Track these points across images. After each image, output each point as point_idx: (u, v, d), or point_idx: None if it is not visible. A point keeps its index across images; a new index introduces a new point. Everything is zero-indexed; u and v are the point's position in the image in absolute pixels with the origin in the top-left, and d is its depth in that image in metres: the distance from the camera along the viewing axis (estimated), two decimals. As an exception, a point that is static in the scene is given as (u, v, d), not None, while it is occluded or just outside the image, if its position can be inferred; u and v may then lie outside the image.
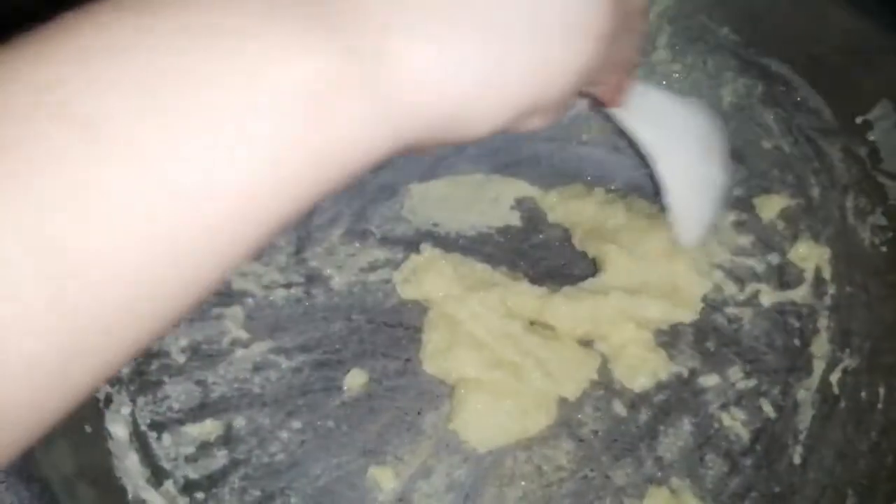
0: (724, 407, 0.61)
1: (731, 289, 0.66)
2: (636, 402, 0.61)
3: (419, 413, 0.61)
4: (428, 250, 0.66)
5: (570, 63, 0.32)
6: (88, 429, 0.49)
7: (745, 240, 0.68)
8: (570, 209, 0.69)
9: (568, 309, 0.61)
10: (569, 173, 0.72)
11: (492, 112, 0.31)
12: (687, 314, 0.64)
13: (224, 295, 0.64)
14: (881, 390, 0.58)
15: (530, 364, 0.60)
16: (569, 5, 0.32)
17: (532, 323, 0.62)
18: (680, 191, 0.57)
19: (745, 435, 0.60)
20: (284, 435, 0.59)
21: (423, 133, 0.30)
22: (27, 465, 0.40)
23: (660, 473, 0.58)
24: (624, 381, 0.62)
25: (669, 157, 0.56)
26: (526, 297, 0.62)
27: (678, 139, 0.56)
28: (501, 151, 0.74)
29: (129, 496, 0.50)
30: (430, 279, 0.63)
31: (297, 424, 0.60)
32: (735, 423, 0.60)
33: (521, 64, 0.31)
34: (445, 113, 0.30)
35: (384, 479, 0.58)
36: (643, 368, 0.62)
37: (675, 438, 0.60)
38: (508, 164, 0.73)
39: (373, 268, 0.67)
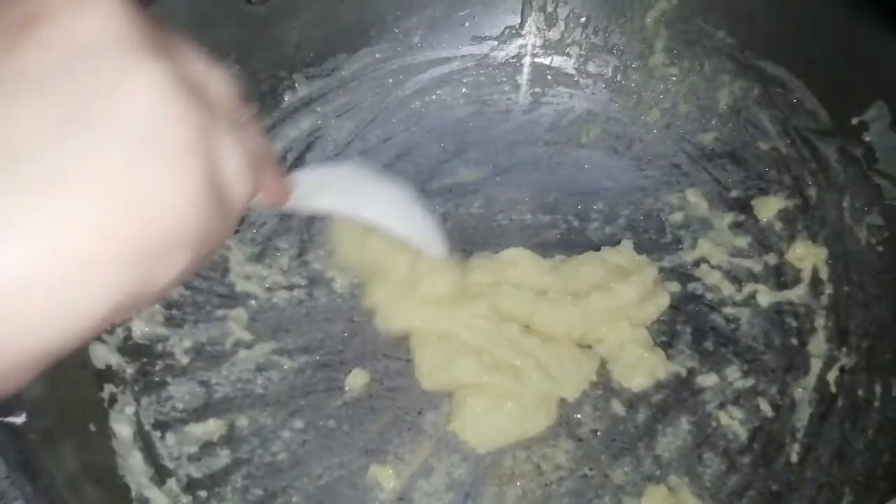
0: (721, 406, 0.62)
1: (728, 289, 0.67)
2: (634, 401, 0.62)
3: (420, 413, 0.61)
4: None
5: (147, 186, 0.26)
6: (93, 428, 0.50)
7: (742, 241, 0.69)
8: None
9: (558, 313, 0.62)
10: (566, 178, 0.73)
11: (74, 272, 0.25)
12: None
13: (227, 297, 0.65)
14: (878, 388, 0.58)
15: (530, 366, 0.61)
16: (122, 124, 0.26)
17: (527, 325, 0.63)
18: (396, 222, 0.58)
19: (742, 434, 0.60)
20: (286, 434, 0.60)
21: None
22: (32, 462, 0.41)
23: (658, 472, 0.59)
24: (622, 381, 0.62)
25: (366, 204, 0.56)
26: (514, 301, 0.63)
27: (360, 188, 0.57)
28: (502, 155, 0.75)
29: (133, 494, 0.51)
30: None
31: (299, 424, 0.60)
32: (733, 422, 0.61)
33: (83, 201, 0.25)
34: None
35: (385, 478, 0.58)
36: (641, 368, 0.62)
37: (674, 437, 0.60)
38: (508, 168, 0.74)
39: (374, 270, 0.68)
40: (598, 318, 0.62)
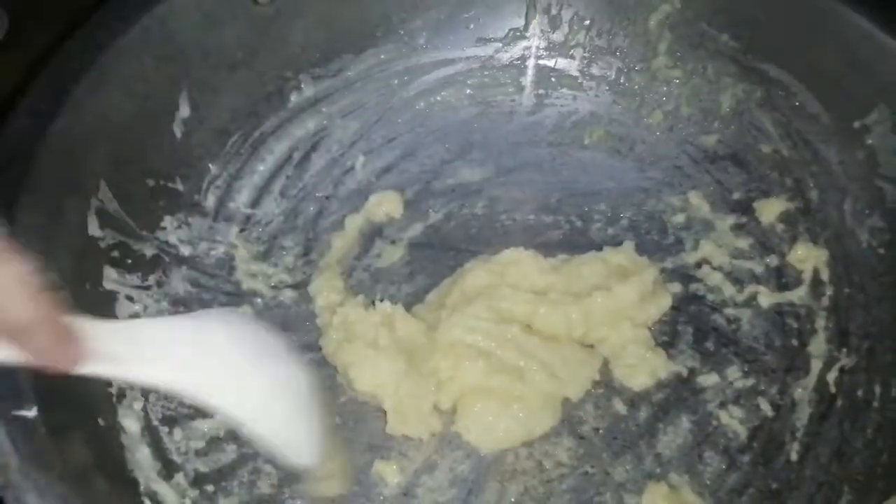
0: (722, 405, 0.62)
1: (730, 290, 0.67)
2: (636, 400, 0.62)
3: (423, 410, 0.62)
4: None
5: None
6: (102, 422, 0.51)
7: (744, 242, 0.69)
8: None
9: (560, 314, 0.63)
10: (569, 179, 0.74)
11: None
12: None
13: (233, 295, 0.66)
14: (877, 389, 0.59)
15: (534, 366, 0.61)
16: None
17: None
18: (259, 417, 0.46)
19: (743, 433, 0.61)
20: (292, 431, 0.60)
21: None
22: (43, 455, 0.41)
23: (659, 470, 0.59)
24: (624, 381, 0.63)
25: (216, 386, 0.44)
26: (514, 302, 0.63)
27: (212, 362, 0.45)
28: (505, 155, 0.76)
29: (141, 488, 0.51)
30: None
31: (304, 421, 0.61)
32: (733, 421, 0.61)
33: None
34: None
35: (389, 474, 0.59)
36: (643, 368, 0.63)
37: (675, 436, 0.61)
38: (512, 169, 0.75)
39: (378, 268, 0.68)
40: (600, 318, 0.63)
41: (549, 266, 0.66)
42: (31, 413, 0.42)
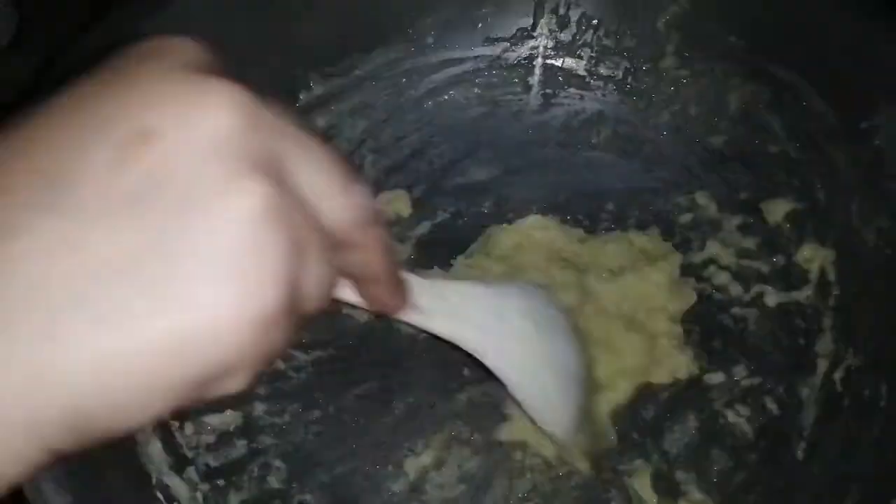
0: (729, 404, 0.63)
1: (736, 290, 0.68)
2: (644, 397, 0.63)
3: (432, 407, 0.62)
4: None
5: (228, 319, 0.25)
6: (114, 416, 0.51)
7: (750, 242, 0.70)
8: None
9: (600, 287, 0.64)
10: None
11: (141, 395, 0.25)
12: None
13: (243, 291, 0.66)
14: (884, 388, 0.59)
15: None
16: (210, 252, 0.25)
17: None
18: (529, 386, 0.52)
19: (749, 431, 0.61)
20: (302, 426, 0.61)
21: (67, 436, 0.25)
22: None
23: (666, 467, 0.60)
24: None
25: (502, 351, 0.50)
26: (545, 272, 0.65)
27: (504, 328, 0.50)
28: (513, 155, 0.76)
29: (154, 481, 0.52)
30: None
31: (313, 416, 0.61)
32: (740, 420, 0.62)
33: (156, 331, 0.25)
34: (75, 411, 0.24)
35: (398, 470, 0.59)
36: (665, 364, 0.63)
37: (682, 434, 0.61)
38: (520, 168, 0.75)
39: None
40: (637, 301, 0.64)
41: (576, 237, 0.67)
42: (49, 405, 0.42)
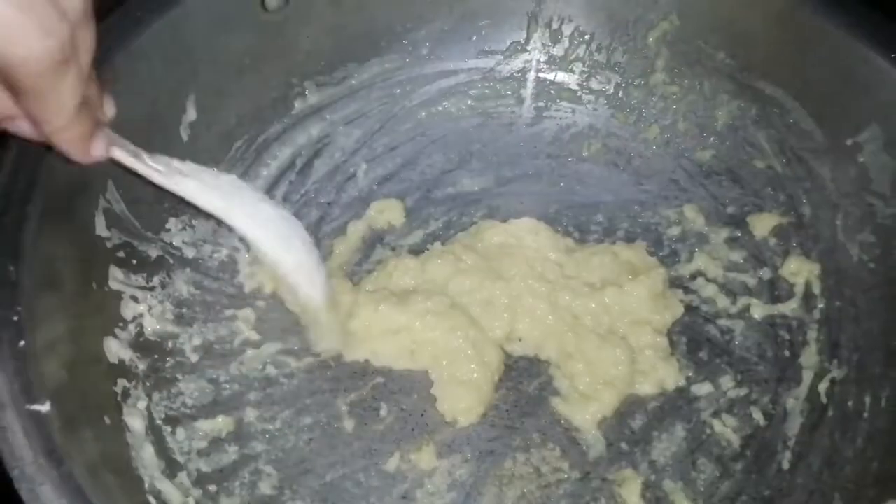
0: (716, 414, 0.63)
1: (723, 302, 0.69)
2: (632, 407, 0.63)
3: (422, 414, 0.63)
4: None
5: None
6: (108, 420, 0.51)
7: (737, 255, 0.71)
8: None
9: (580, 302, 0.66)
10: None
11: None
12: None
13: (236, 297, 0.66)
14: (867, 399, 0.60)
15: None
16: None
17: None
18: (283, 249, 0.57)
19: (735, 441, 0.62)
20: (293, 433, 0.61)
21: None
22: (57, 449, 0.42)
23: (654, 476, 0.60)
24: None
25: (251, 216, 0.56)
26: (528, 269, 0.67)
27: (252, 201, 0.56)
28: (504, 166, 0.77)
29: (146, 486, 0.51)
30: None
31: (305, 423, 0.62)
32: (726, 430, 0.63)
33: None
34: None
35: (388, 477, 0.60)
36: (652, 376, 0.64)
37: (669, 443, 0.62)
38: (511, 179, 0.76)
39: (380, 274, 0.69)
40: (619, 315, 0.65)
41: (564, 246, 0.69)
42: (45, 408, 0.43)
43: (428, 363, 0.64)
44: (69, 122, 0.42)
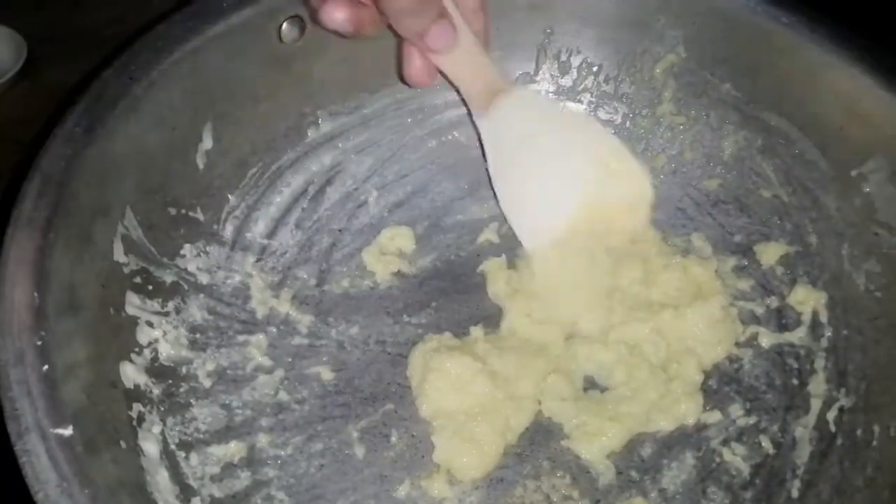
0: (725, 442, 0.64)
1: (732, 330, 0.69)
2: (642, 436, 0.64)
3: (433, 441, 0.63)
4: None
5: None
6: (124, 445, 0.52)
7: (745, 284, 0.72)
8: None
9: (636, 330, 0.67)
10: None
11: None
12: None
13: (248, 323, 0.67)
14: (876, 428, 0.61)
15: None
16: None
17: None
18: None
19: (745, 469, 0.62)
20: (304, 459, 0.61)
21: None
22: (80, 472, 0.42)
23: (664, 504, 0.61)
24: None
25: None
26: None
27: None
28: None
29: (161, 511, 0.52)
30: None
31: (316, 449, 0.62)
32: (736, 458, 0.63)
33: None
34: None
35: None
36: (674, 411, 0.64)
37: (679, 472, 0.62)
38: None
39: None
40: (675, 345, 0.66)
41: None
42: (68, 432, 0.43)
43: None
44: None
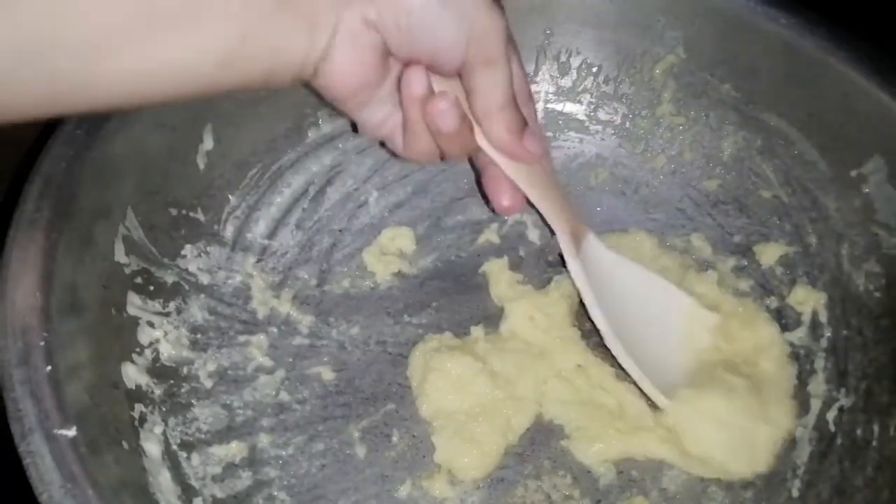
0: (726, 442, 0.64)
1: (732, 330, 0.69)
2: (642, 435, 0.64)
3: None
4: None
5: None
6: (126, 445, 0.52)
7: (745, 284, 0.72)
8: None
9: None
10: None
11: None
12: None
13: (249, 323, 0.67)
14: (876, 428, 0.61)
15: None
16: None
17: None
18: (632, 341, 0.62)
19: (746, 469, 0.63)
20: (305, 459, 0.61)
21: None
22: (83, 473, 0.42)
23: (665, 504, 0.61)
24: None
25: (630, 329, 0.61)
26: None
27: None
28: (513, 195, 0.78)
29: (163, 511, 0.52)
30: None
31: (317, 449, 0.62)
32: (736, 458, 0.63)
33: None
34: None
35: None
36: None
37: (680, 471, 0.62)
38: (520, 208, 0.77)
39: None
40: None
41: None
42: (72, 432, 0.43)
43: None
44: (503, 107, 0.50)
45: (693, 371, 0.65)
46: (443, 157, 0.54)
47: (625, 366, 0.62)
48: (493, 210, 0.59)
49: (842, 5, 0.68)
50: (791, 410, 0.64)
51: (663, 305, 0.65)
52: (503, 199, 0.57)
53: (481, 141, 0.53)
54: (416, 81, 0.48)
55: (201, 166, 0.66)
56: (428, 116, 0.49)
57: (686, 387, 0.63)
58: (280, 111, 0.72)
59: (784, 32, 0.68)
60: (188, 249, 0.66)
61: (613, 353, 0.62)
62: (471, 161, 0.61)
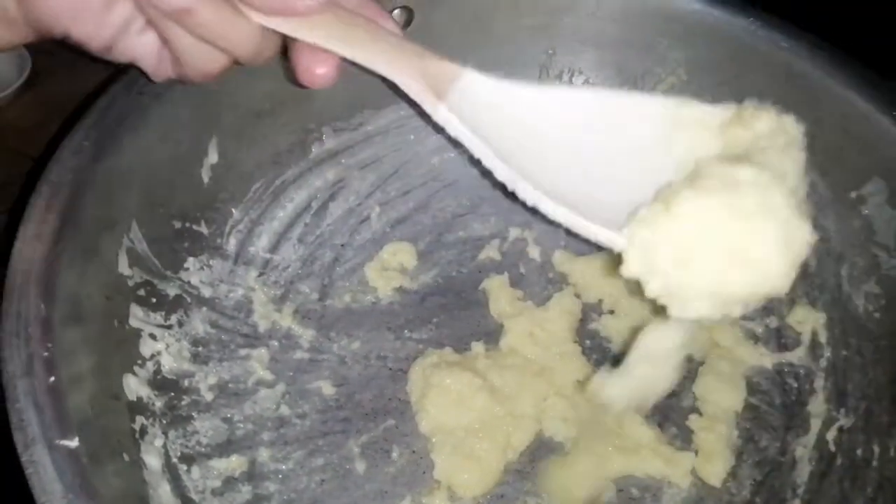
0: (725, 461, 0.64)
1: (732, 349, 0.70)
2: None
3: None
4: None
5: None
6: (126, 457, 0.52)
7: (744, 303, 0.72)
8: None
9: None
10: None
11: None
12: None
13: (250, 337, 0.67)
14: (875, 448, 0.61)
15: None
16: None
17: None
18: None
19: (746, 488, 0.63)
20: (305, 474, 0.61)
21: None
22: (85, 485, 0.42)
23: (665, 523, 0.61)
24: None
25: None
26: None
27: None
28: (514, 212, 0.78)
29: (163, 524, 0.52)
30: None
31: (317, 464, 0.62)
32: (736, 477, 0.63)
33: None
34: None
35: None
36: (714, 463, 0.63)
37: (679, 490, 0.62)
38: (521, 223, 0.77)
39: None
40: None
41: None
42: (74, 443, 0.43)
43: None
44: None
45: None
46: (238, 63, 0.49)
47: (554, 216, 0.47)
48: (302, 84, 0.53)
49: (841, 30, 0.69)
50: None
51: (613, 120, 0.51)
52: (317, 68, 0.51)
53: (258, 18, 0.47)
54: None
55: (206, 180, 0.67)
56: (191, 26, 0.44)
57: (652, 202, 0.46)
58: (284, 126, 0.72)
59: (784, 55, 0.69)
60: (191, 262, 0.66)
61: (531, 203, 0.48)
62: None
